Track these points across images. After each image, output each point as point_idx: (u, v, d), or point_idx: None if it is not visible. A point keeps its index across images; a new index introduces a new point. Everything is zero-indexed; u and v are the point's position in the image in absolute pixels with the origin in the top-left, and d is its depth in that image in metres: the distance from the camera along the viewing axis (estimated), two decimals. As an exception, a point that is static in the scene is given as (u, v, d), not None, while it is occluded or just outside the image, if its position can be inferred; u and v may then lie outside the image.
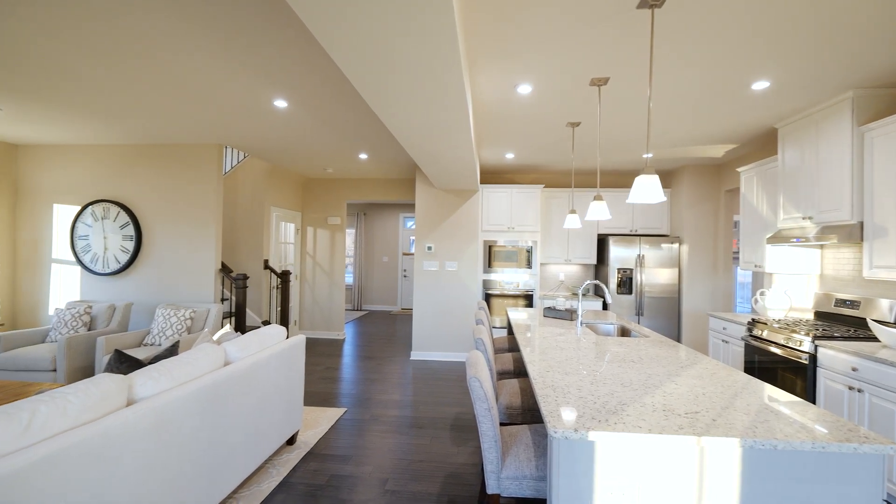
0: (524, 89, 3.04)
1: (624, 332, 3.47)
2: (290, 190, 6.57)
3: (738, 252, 5.77)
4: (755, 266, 4.05)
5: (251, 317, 5.83)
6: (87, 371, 4.07)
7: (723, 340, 3.97)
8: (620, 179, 6.18)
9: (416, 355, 5.71)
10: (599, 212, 2.90)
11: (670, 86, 2.94)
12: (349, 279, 10.24)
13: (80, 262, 4.89)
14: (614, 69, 2.69)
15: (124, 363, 2.36)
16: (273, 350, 2.74)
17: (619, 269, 5.50)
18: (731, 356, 3.84)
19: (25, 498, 1.28)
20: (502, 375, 2.99)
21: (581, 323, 3.31)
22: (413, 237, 10.22)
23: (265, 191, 5.85)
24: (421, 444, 3.19)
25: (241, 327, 4.77)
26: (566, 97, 3.19)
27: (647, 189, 1.93)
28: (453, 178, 4.83)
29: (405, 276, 10.16)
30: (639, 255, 5.50)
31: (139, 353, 3.98)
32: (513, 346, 3.70)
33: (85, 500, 1.46)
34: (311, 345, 6.40)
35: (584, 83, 2.92)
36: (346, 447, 3.11)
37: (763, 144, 4.44)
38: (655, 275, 5.51)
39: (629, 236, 5.63)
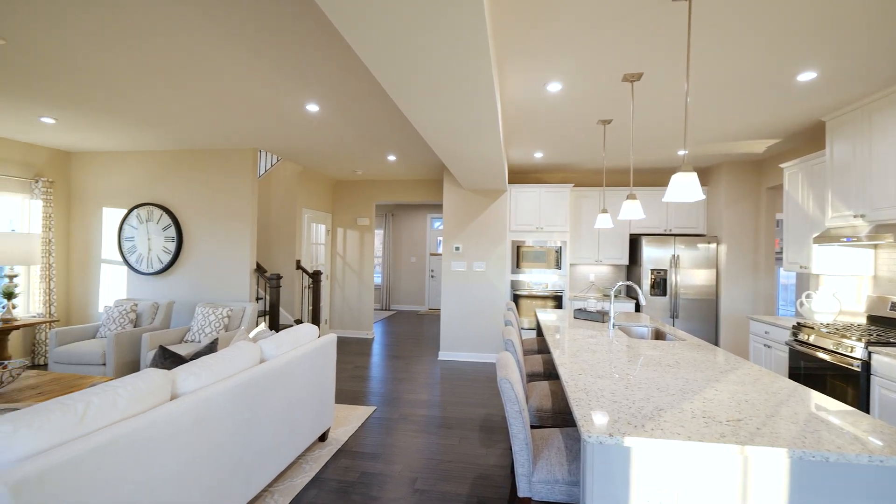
0: (554, 87, 3.00)
1: (658, 335, 3.36)
2: (321, 192, 6.72)
3: (780, 252, 5.50)
4: (800, 267, 3.84)
5: (284, 315, 5.99)
6: (133, 365, 4.30)
7: (765, 345, 3.79)
8: (653, 177, 6.00)
9: (443, 355, 5.72)
10: (633, 211, 2.82)
11: (709, 79, 2.83)
12: (377, 279, 10.38)
13: (126, 262, 5.16)
14: (648, 64, 2.62)
15: (168, 359, 2.48)
16: (306, 348, 2.81)
17: (652, 270, 5.34)
18: (773, 362, 3.66)
19: (81, 483, 1.36)
20: (532, 377, 2.96)
21: (613, 325, 3.23)
22: (440, 237, 10.27)
23: (297, 193, 6.00)
24: (449, 444, 3.20)
25: (274, 325, 4.91)
26: (597, 94, 3.12)
27: (685, 187, 1.86)
28: (481, 178, 4.82)
29: (432, 277, 10.20)
30: (673, 256, 5.33)
31: (181, 350, 4.16)
32: (542, 348, 3.65)
33: (133, 487, 1.54)
34: (341, 344, 6.52)
35: (616, 79, 2.85)
36: (376, 445, 3.15)
37: (809, 138, 4.21)
38: (691, 276, 5.32)
39: (663, 236, 5.45)
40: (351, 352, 6.03)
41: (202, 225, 5.04)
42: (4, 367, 2.88)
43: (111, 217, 5.30)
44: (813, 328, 3.19)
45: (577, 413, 1.49)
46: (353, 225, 7.05)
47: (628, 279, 5.94)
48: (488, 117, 2.67)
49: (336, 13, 1.52)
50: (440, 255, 10.17)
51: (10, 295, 4.37)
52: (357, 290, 7.01)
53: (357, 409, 3.84)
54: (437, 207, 10.13)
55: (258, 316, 5.27)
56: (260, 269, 5.09)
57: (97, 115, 3.86)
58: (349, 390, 4.38)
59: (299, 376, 2.69)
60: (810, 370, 3.15)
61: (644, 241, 5.35)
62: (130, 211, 5.16)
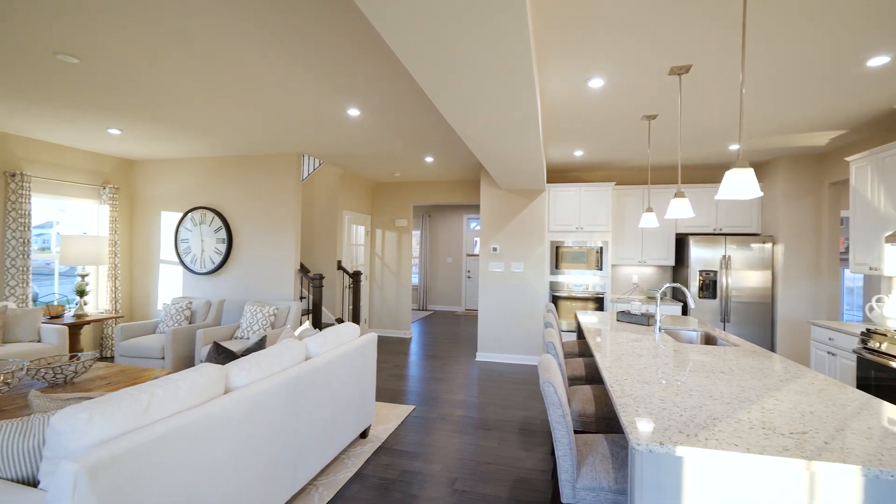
0: (596, 83, 2.92)
1: (709, 340, 3.20)
2: (361, 194, 6.87)
3: (845, 253, 5.09)
4: (870, 269, 3.54)
5: (326, 314, 6.17)
6: (189, 360, 4.56)
7: (828, 353, 3.52)
8: (702, 174, 5.72)
9: (481, 356, 5.70)
10: (681, 210, 2.70)
11: (766, 68, 2.67)
12: (415, 279, 10.49)
13: (181, 262, 5.49)
14: (697, 54, 2.50)
15: (221, 354, 2.61)
16: (348, 347, 2.88)
17: (700, 272, 5.09)
18: (839, 370, 3.39)
19: (146, 469, 1.46)
20: (573, 381, 2.89)
21: (659, 328, 3.11)
22: (477, 238, 10.24)
23: (338, 195, 6.17)
24: (488, 446, 3.18)
25: (317, 324, 5.07)
26: (642, 89, 3.01)
27: (740, 184, 1.76)
28: (520, 178, 4.77)
29: (469, 277, 10.20)
30: (724, 256, 5.05)
31: (232, 346, 4.38)
32: (583, 351, 3.56)
33: (191, 475, 1.64)
34: (380, 343, 6.64)
35: (662, 72, 2.74)
36: (416, 444, 3.19)
37: (879, 129, 3.88)
38: (744, 277, 5.02)
39: (712, 235, 5.18)
40: (389, 351, 6.13)
41: (250, 227, 5.28)
42: (78, 359, 3.14)
43: (168, 220, 5.66)
44: (885, 335, 2.93)
45: (625, 419, 1.44)
46: (391, 226, 7.17)
47: (674, 281, 5.69)
48: (528, 117, 2.64)
49: (381, 21, 1.55)
50: (477, 255, 10.15)
51: (82, 293, 4.76)
52: (395, 290, 7.12)
53: (396, 407, 3.90)
54: (474, 208, 10.11)
55: (302, 314, 5.45)
56: (303, 270, 5.27)
57: (157, 125, 4.14)
58: (388, 389, 4.45)
59: (342, 374, 2.76)
60: (883, 381, 2.89)
61: (692, 240, 5.11)
62: (185, 214, 5.48)
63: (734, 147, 4.56)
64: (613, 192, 5.57)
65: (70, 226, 5.39)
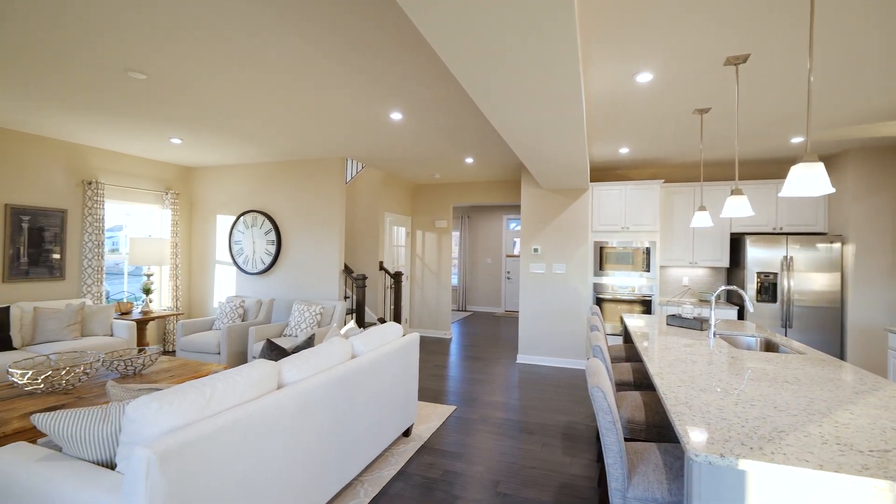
0: (644, 77, 2.81)
1: (769, 347, 3.00)
2: (402, 196, 6.98)
3: (930, 253, 4.60)
4: (961, 271, 3.18)
5: (368, 314, 6.32)
6: (242, 355, 4.81)
7: (911, 363, 3.20)
8: (759, 169, 5.37)
9: (522, 359, 5.63)
10: (739, 208, 2.55)
11: (835, 54, 2.47)
12: (454, 280, 10.52)
13: (235, 263, 5.80)
14: (757, 43, 2.35)
15: (273, 351, 2.74)
16: (392, 346, 2.94)
17: (758, 274, 4.78)
18: (923, 383, 3.07)
19: (208, 457, 1.55)
20: (621, 386, 2.80)
21: (714, 333, 2.94)
22: (516, 239, 10.13)
23: (380, 198, 6.30)
24: (531, 449, 3.14)
25: (360, 323, 5.20)
26: (694, 81, 2.87)
27: (808, 180, 1.64)
28: (562, 177, 4.67)
29: (509, 278, 10.10)
30: (785, 257, 4.72)
31: (282, 343, 4.58)
32: (630, 356, 3.44)
33: (247, 466, 1.72)
34: (420, 343, 6.71)
35: (716, 63, 2.60)
36: (458, 444, 3.19)
37: (972, 116, 3.48)
38: (808, 280, 4.67)
39: (772, 235, 4.85)
40: (430, 351, 6.18)
41: (297, 229, 5.50)
42: (145, 353, 3.39)
43: (223, 223, 6.00)
44: (981, 345, 2.63)
45: (680, 429, 1.38)
46: (431, 227, 7.23)
47: (728, 283, 5.38)
48: (573, 115, 2.58)
49: (426, 25, 1.57)
50: (516, 256, 10.04)
51: (147, 291, 5.13)
52: (435, 290, 7.18)
53: (438, 407, 3.92)
54: (513, 208, 10.02)
55: (346, 314, 5.61)
56: (347, 270, 5.43)
57: (213, 133, 4.39)
58: (430, 388, 4.49)
59: (386, 373, 2.82)
60: (977, 396, 2.59)
61: (748, 240, 4.81)
62: (238, 217, 5.78)
63: (797, 140, 4.25)
64: (662, 190, 5.34)
65: (136, 229, 5.83)
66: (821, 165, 1.64)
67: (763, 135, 4.09)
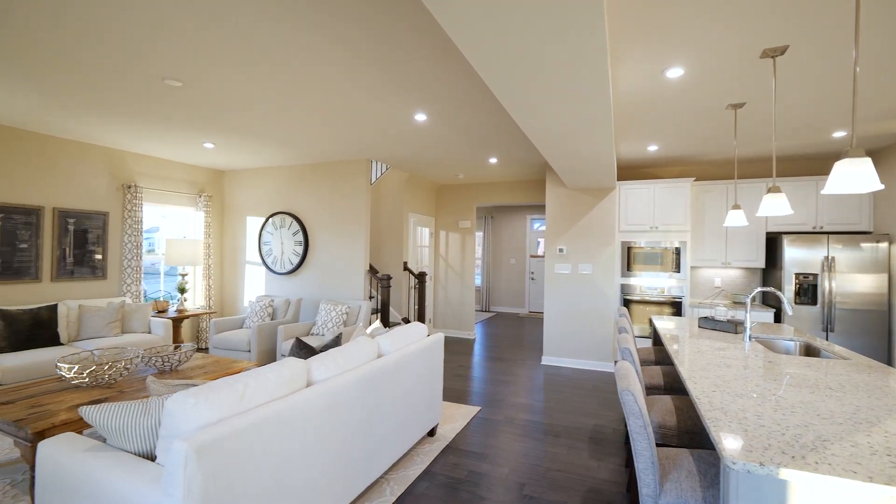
0: (674, 73, 2.74)
1: (809, 352, 2.87)
2: (425, 197, 7.02)
3: None
4: None
5: (393, 314, 6.37)
6: (271, 353, 4.94)
7: (968, 370, 2.99)
8: (797, 166, 5.14)
9: (547, 360, 5.57)
10: (776, 206, 2.44)
11: (883, 40, 2.34)
12: (477, 281, 10.49)
13: (264, 263, 5.96)
14: (795, 33, 2.25)
15: (302, 349, 2.80)
16: (417, 346, 2.96)
17: (796, 275, 4.57)
18: (982, 392, 2.87)
19: (241, 452, 1.60)
20: (651, 390, 2.73)
21: (749, 337, 2.83)
22: (540, 239, 10.02)
23: (404, 198, 6.35)
24: (557, 452, 3.10)
25: (385, 323, 5.25)
26: (727, 75, 2.77)
27: (854, 176, 1.56)
28: (588, 176, 4.60)
29: (533, 279, 10.00)
30: (826, 258, 4.49)
31: (310, 342, 4.67)
32: (659, 359, 3.35)
33: (279, 461, 1.77)
34: (444, 343, 6.72)
35: (752, 56, 2.50)
36: (482, 445, 3.18)
37: None
38: (851, 281, 4.43)
39: (812, 234, 4.64)
40: (453, 351, 6.18)
41: (324, 230, 5.60)
42: (180, 349, 3.52)
43: (253, 224, 6.17)
44: None
45: (715, 435, 1.34)
46: (454, 228, 7.24)
47: (764, 284, 5.17)
48: (600, 113, 2.53)
49: (450, 23, 1.58)
50: (540, 256, 9.93)
51: (182, 290, 5.33)
52: (459, 291, 7.18)
53: (462, 407, 3.92)
54: (537, 208, 9.91)
55: (371, 313, 5.68)
56: (372, 270, 5.49)
57: (243, 138, 4.53)
58: (454, 389, 4.50)
59: (411, 372, 2.84)
60: None
61: (786, 240, 4.61)
62: (267, 219, 5.94)
63: (839, 134, 4.04)
64: (693, 189, 5.18)
65: (171, 230, 6.07)
66: (868, 161, 1.55)
67: (802, 129, 3.91)
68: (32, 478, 2.26)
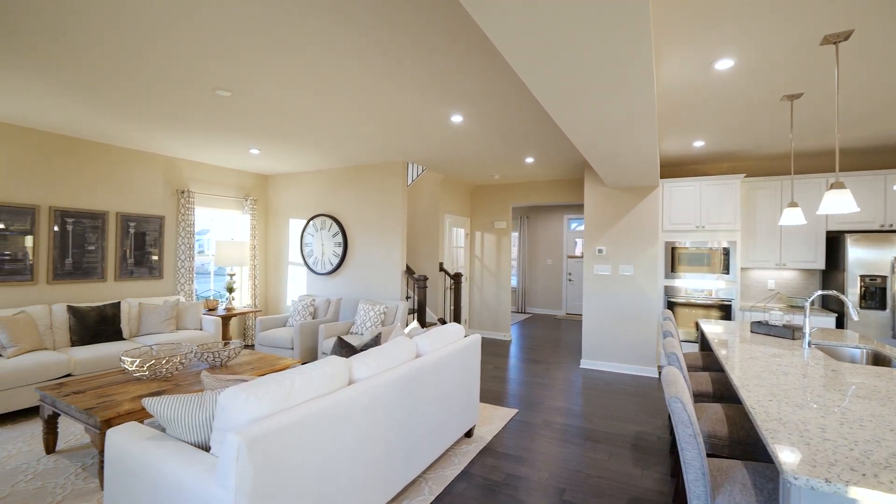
0: (724, 64, 2.61)
1: (879, 360, 2.65)
2: (461, 197, 7.03)
3: None
4: None
5: (429, 314, 6.43)
6: (313, 350, 5.10)
7: None
8: (862, 159, 4.76)
9: (585, 364, 5.44)
10: (840, 203, 2.27)
11: (963, 25, 2.13)
12: (513, 282, 10.39)
13: (305, 263, 6.17)
14: (860, 16, 2.09)
15: (344, 348, 2.88)
16: (454, 346, 2.97)
17: (861, 277, 4.24)
18: None
19: (288, 446, 1.66)
20: (698, 397, 2.61)
21: (808, 343, 2.65)
22: (578, 239, 9.80)
23: (439, 199, 6.39)
24: (597, 458, 3.02)
25: (422, 323, 5.30)
26: (783, 65, 2.61)
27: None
28: (630, 174, 4.45)
29: (570, 280, 9.80)
30: (897, 258, 4.14)
31: (350, 341, 4.79)
32: (707, 365, 3.20)
33: (322, 457, 1.82)
34: (481, 344, 6.70)
35: (811, 43, 2.34)
36: (520, 448, 3.15)
37: None
38: (928, 285, 4.05)
39: (880, 233, 4.28)
40: (489, 352, 6.16)
41: (362, 231, 5.73)
42: (229, 346, 3.70)
43: (295, 227, 6.40)
44: None
45: (774, 447, 1.26)
46: (490, 228, 7.21)
47: (824, 287, 4.82)
48: (644, 109, 2.45)
49: (490, 23, 1.57)
50: (578, 257, 9.71)
51: (230, 289, 5.60)
52: (494, 292, 7.14)
53: (499, 409, 3.90)
54: (574, 208, 9.70)
55: (407, 313, 5.75)
56: (409, 271, 5.56)
57: (286, 143, 4.71)
58: (490, 390, 4.48)
59: (449, 372, 2.85)
60: None
61: (849, 239, 4.28)
62: (309, 221, 6.14)
63: (912, 124, 3.71)
64: (743, 186, 4.91)
65: (218, 233, 6.39)
66: (949, 154, 1.41)
67: (868, 120, 3.62)
68: (101, 462, 2.44)
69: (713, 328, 3.34)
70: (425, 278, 5.23)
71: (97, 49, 2.58)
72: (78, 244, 4.54)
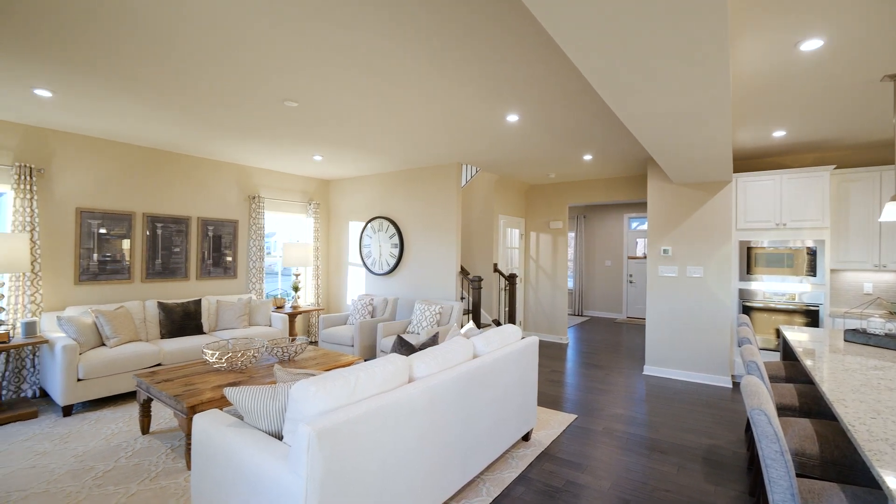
0: (810, 45, 2.37)
1: None
2: (515, 198, 6.95)
3: None
4: None
5: (484, 315, 6.41)
6: (371, 348, 5.27)
7: None
8: None
9: (649, 370, 5.16)
10: (959, 197, 1.98)
11: None
12: (570, 283, 10.10)
13: (364, 264, 6.39)
14: None
15: (403, 346, 2.95)
16: (512, 348, 2.94)
17: None
18: None
19: (352, 440, 1.73)
20: (782, 411, 2.40)
21: (919, 355, 2.34)
22: (639, 239, 9.33)
23: (494, 200, 6.36)
24: (665, 471, 2.86)
25: (477, 324, 5.30)
26: (882, 41, 2.33)
27: None
28: (699, 169, 4.18)
29: (631, 282, 9.35)
30: None
31: (408, 340, 4.90)
32: (791, 375, 2.92)
33: (384, 452, 1.88)
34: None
35: (922, 17, 2.07)
36: (580, 455, 3.06)
37: None
38: None
39: None
40: (546, 355, 6.03)
41: (418, 232, 5.84)
42: (295, 342, 3.92)
43: (354, 229, 6.65)
44: None
45: (880, 471, 1.13)
46: (545, 229, 7.06)
47: (937, 292, 4.22)
48: (718, 98, 2.29)
49: (550, 15, 1.55)
50: (640, 258, 9.24)
51: (296, 289, 5.94)
52: (550, 293, 6.98)
53: (557, 414, 3.81)
54: (635, 206, 9.25)
55: (462, 314, 5.77)
56: (463, 272, 5.58)
57: (347, 149, 4.91)
58: (547, 394, 4.38)
59: (506, 374, 2.83)
60: None
61: (970, 237, 3.72)
62: (367, 223, 6.36)
63: None
64: (833, 178, 4.43)
65: (284, 236, 6.79)
66: None
67: None
68: (188, 444, 2.69)
69: (798, 336, 3.04)
70: (480, 279, 5.23)
71: (192, 74, 2.84)
72: (165, 246, 5.03)
